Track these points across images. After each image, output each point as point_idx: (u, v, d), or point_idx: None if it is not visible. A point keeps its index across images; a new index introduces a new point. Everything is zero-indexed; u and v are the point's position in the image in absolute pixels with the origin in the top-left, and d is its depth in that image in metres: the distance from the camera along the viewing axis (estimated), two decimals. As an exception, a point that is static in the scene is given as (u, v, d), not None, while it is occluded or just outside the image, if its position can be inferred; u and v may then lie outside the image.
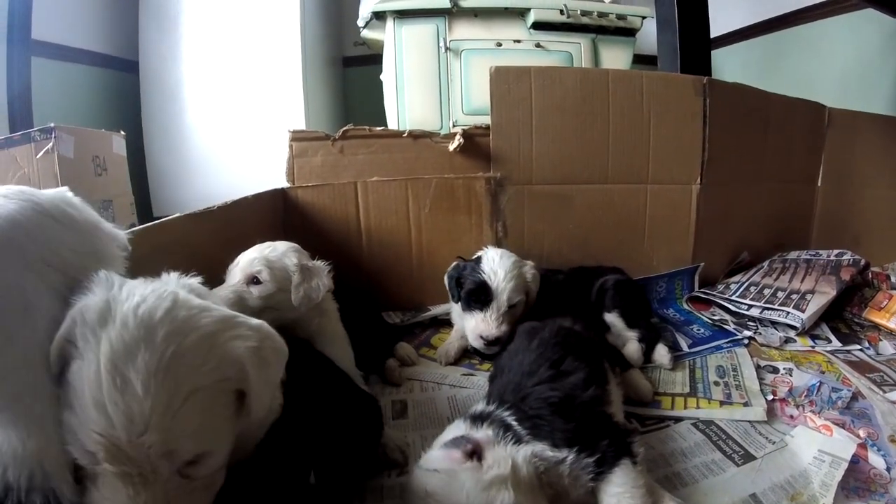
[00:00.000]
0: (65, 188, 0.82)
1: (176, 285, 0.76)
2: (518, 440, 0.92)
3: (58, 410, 0.64)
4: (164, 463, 0.62)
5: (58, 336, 0.66)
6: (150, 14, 3.63)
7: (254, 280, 1.30)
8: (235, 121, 3.60)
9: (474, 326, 1.53)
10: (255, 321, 0.75)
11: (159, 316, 0.65)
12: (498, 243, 2.01)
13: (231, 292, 1.27)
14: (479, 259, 1.60)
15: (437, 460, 0.89)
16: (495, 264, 1.54)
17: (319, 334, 1.36)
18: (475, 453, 0.88)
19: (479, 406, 1.04)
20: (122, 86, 3.89)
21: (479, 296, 1.54)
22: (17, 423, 0.62)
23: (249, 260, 1.31)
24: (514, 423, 0.96)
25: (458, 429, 0.97)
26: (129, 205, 2.82)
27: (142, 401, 0.60)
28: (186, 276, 0.82)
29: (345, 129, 1.99)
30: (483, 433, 0.93)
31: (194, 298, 0.73)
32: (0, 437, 0.62)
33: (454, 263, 1.68)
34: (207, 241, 1.48)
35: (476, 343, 1.53)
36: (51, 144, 2.27)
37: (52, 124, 2.29)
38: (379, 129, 2.03)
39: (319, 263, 1.41)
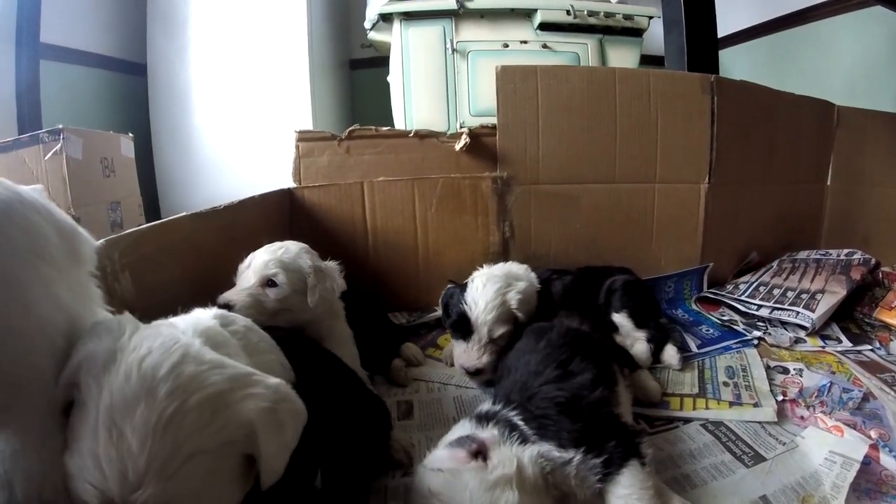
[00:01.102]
0: (39, 186, 0.79)
1: (193, 334, 0.71)
2: (524, 440, 0.92)
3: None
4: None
5: (63, 378, 0.63)
6: (157, 17, 3.64)
7: (269, 283, 1.29)
8: (243, 123, 3.60)
9: (458, 356, 1.50)
10: (273, 380, 0.70)
11: (163, 372, 0.61)
12: (504, 243, 2.01)
13: (247, 296, 1.26)
14: (465, 286, 1.56)
15: (442, 460, 0.88)
16: (477, 294, 1.49)
17: (329, 335, 1.35)
18: (480, 453, 0.87)
19: (485, 406, 1.03)
20: (130, 88, 3.89)
21: (460, 327, 1.50)
22: (24, 428, 0.62)
23: (264, 262, 1.30)
24: (521, 422, 0.95)
25: (463, 428, 0.97)
26: (137, 206, 2.83)
27: (136, 458, 0.56)
28: (211, 309, 0.80)
29: (351, 129, 1.99)
30: (488, 433, 0.92)
31: (207, 352, 0.67)
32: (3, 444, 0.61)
33: (446, 288, 1.66)
34: (213, 240, 1.47)
35: (461, 371, 1.51)
36: (59, 146, 2.28)
37: (60, 126, 2.29)
38: (385, 129, 2.03)
39: (332, 264, 1.41)
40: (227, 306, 1.21)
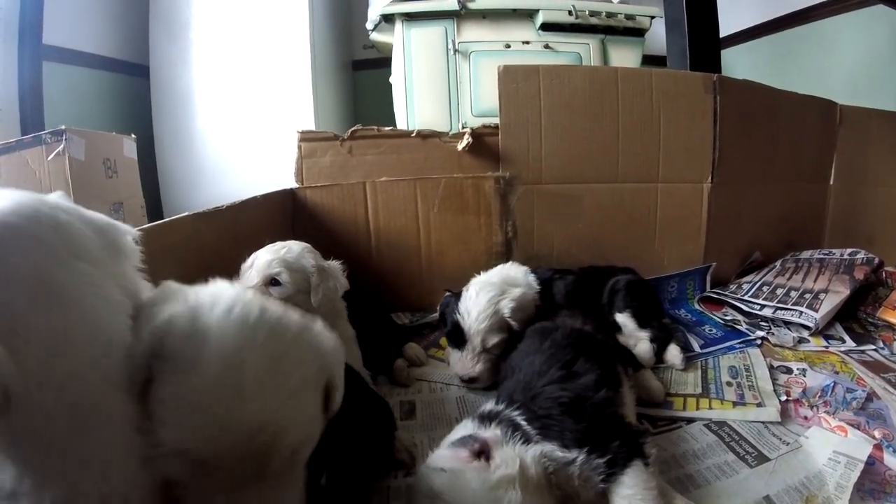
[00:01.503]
0: (61, 192, 0.75)
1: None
2: (527, 440, 0.91)
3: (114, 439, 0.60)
4: (273, 460, 0.61)
5: (140, 352, 0.62)
6: (160, 19, 3.64)
7: (272, 282, 1.29)
8: (246, 125, 3.60)
9: (453, 364, 1.51)
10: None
11: (254, 319, 0.64)
12: (507, 243, 2.01)
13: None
14: (461, 294, 1.56)
15: (444, 459, 0.88)
16: (470, 303, 1.49)
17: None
18: (483, 453, 0.87)
19: (488, 405, 1.03)
20: (132, 90, 3.90)
21: (455, 336, 1.51)
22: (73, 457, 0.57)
23: (267, 262, 1.31)
24: (524, 422, 0.95)
25: (466, 428, 0.96)
26: (139, 207, 2.83)
27: (255, 401, 0.59)
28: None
29: (353, 129, 2.00)
30: (491, 432, 0.92)
31: (268, 300, 0.72)
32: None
33: (444, 296, 1.66)
34: (216, 240, 1.47)
35: (455, 379, 1.51)
36: (61, 147, 2.28)
37: (62, 127, 2.29)
38: (387, 129, 2.03)
39: (334, 263, 1.42)
40: None
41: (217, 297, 0.67)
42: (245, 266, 1.33)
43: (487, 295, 1.49)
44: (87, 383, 0.59)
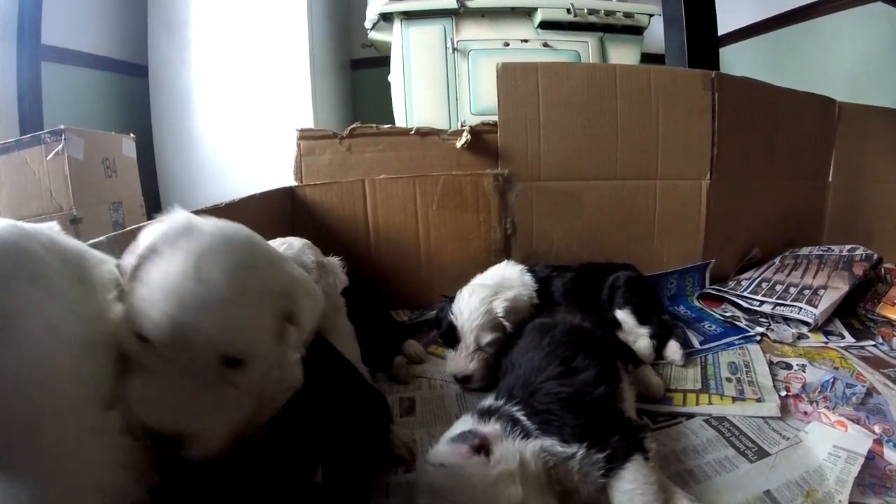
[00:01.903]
0: (54, 223, 0.77)
1: None
2: (526, 435, 0.91)
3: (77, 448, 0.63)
4: (212, 352, 0.66)
5: (143, 247, 0.71)
6: (158, 18, 3.64)
7: None
8: (245, 124, 3.61)
9: (448, 364, 1.51)
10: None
11: (240, 234, 0.75)
12: (506, 240, 2.01)
13: None
14: (454, 297, 1.57)
15: (444, 455, 0.88)
16: (463, 303, 1.50)
17: (330, 330, 1.34)
18: (483, 448, 0.87)
19: (488, 401, 1.03)
20: (131, 90, 3.90)
21: (448, 336, 1.52)
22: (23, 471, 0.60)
23: None
24: (523, 417, 0.94)
25: (465, 423, 0.96)
26: (139, 206, 2.83)
27: (209, 288, 0.66)
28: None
29: (352, 127, 2.00)
30: (491, 428, 0.92)
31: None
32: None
33: (440, 302, 1.66)
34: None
35: (451, 379, 1.50)
36: (61, 146, 2.28)
37: (62, 126, 2.29)
38: (386, 126, 2.04)
39: (334, 259, 1.42)
40: None
41: (217, 220, 0.76)
42: None
43: (480, 295, 1.50)
44: (27, 403, 0.61)
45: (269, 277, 0.74)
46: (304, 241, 1.39)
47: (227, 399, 0.69)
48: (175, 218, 0.75)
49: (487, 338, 1.45)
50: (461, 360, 1.45)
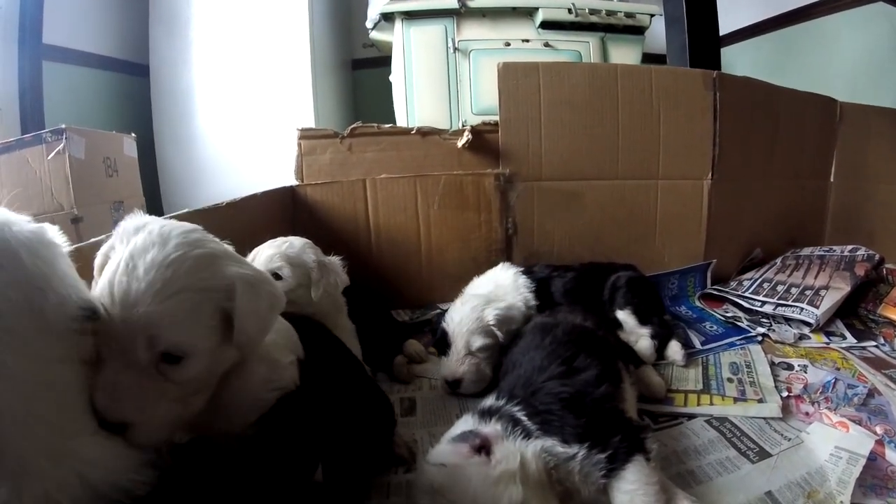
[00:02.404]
0: (46, 225, 0.73)
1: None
2: (527, 435, 0.91)
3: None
4: (145, 345, 0.68)
5: (103, 247, 0.76)
6: (159, 18, 3.65)
7: (274, 276, 1.29)
8: (245, 124, 3.62)
9: (440, 369, 1.51)
10: (258, 267, 0.87)
11: (177, 232, 0.75)
12: (508, 240, 2.02)
13: None
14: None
15: (445, 455, 0.88)
16: (454, 311, 1.52)
17: (332, 329, 1.35)
18: (483, 448, 0.86)
19: (489, 401, 1.03)
20: (132, 89, 3.91)
21: (441, 343, 1.52)
22: None
23: (269, 256, 1.32)
24: (524, 417, 0.94)
25: (466, 423, 0.96)
26: (140, 206, 2.82)
27: (140, 282, 0.69)
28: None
29: (353, 126, 2.00)
30: (492, 428, 0.92)
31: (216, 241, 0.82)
32: None
33: (439, 314, 1.68)
34: (216, 237, 1.47)
35: (443, 386, 1.49)
36: (62, 146, 2.28)
37: (63, 126, 2.29)
38: (387, 126, 2.04)
39: (335, 259, 1.43)
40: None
41: (170, 220, 0.80)
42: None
43: (472, 304, 1.51)
44: None
45: (208, 275, 0.74)
46: (305, 240, 1.40)
47: (168, 391, 0.71)
48: (133, 217, 0.78)
49: (478, 342, 1.45)
50: (451, 364, 1.46)
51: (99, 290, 0.71)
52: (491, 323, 1.47)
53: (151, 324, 0.68)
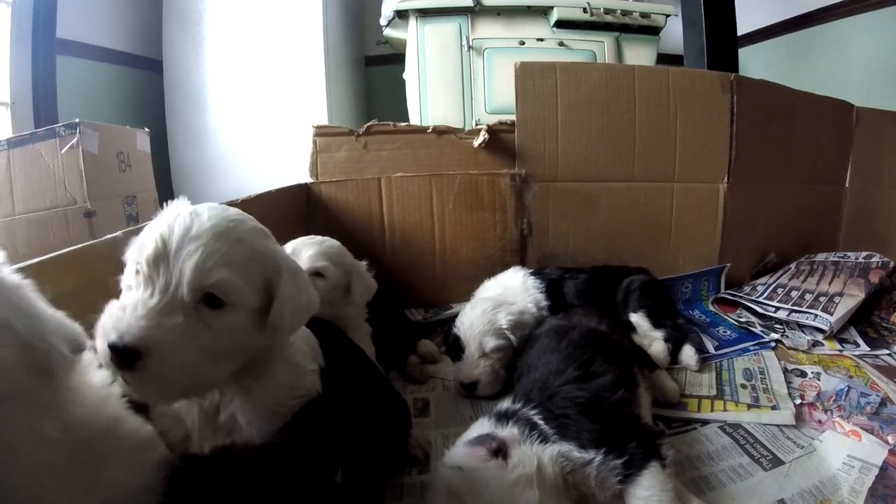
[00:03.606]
0: (27, 282, 0.66)
1: None
2: (544, 439, 0.91)
3: None
4: (195, 278, 0.69)
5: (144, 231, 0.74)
6: (173, 14, 3.66)
7: (316, 275, 1.30)
8: (258, 120, 3.63)
9: (455, 373, 1.51)
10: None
11: (233, 210, 0.78)
12: (522, 241, 2.02)
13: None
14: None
15: (462, 458, 0.88)
16: (465, 316, 1.52)
17: (352, 330, 1.36)
18: (500, 451, 0.87)
19: (505, 404, 1.03)
20: (145, 84, 3.93)
21: (454, 348, 1.53)
22: None
23: (312, 255, 1.33)
24: (541, 421, 0.95)
25: (482, 426, 0.96)
26: (152, 201, 2.83)
27: (204, 223, 0.71)
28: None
29: (369, 124, 2.00)
30: (508, 431, 0.92)
31: None
32: None
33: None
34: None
35: (457, 389, 1.49)
36: (75, 140, 2.28)
37: (76, 120, 2.30)
38: (403, 124, 2.03)
39: (363, 263, 1.46)
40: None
41: None
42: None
43: (482, 307, 1.52)
44: None
45: (263, 245, 0.77)
46: (335, 241, 1.41)
47: (200, 334, 0.69)
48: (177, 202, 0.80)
49: (491, 344, 1.46)
50: (466, 367, 1.46)
51: (153, 225, 0.73)
52: (504, 327, 1.47)
53: (209, 256, 0.69)
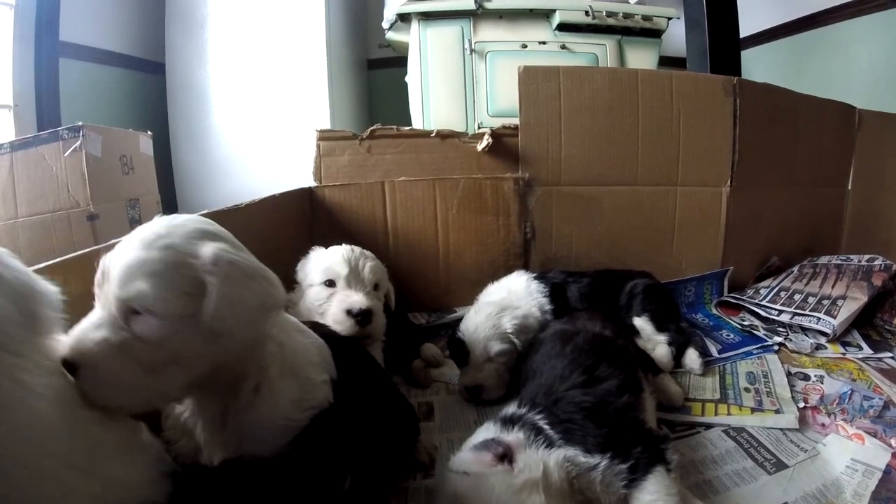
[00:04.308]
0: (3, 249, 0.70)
1: None
2: (550, 444, 0.91)
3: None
4: (115, 297, 0.70)
5: None
6: (176, 17, 3.67)
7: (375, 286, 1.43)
8: (261, 123, 3.63)
9: (460, 379, 1.50)
10: (267, 269, 0.82)
11: (184, 220, 0.79)
12: (526, 244, 2.02)
13: (370, 299, 1.39)
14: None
15: (467, 462, 0.88)
16: (469, 321, 1.51)
17: (371, 342, 1.40)
18: (506, 456, 0.87)
19: (510, 408, 1.03)
20: (148, 87, 3.93)
21: (457, 353, 1.52)
22: None
23: (373, 266, 1.44)
24: (546, 426, 0.95)
25: (488, 431, 0.96)
26: (155, 203, 2.84)
27: (134, 237, 0.74)
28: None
29: (372, 128, 2.00)
30: (514, 436, 0.92)
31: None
32: None
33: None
34: (234, 237, 1.48)
35: (462, 393, 1.48)
36: (79, 143, 2.29)
37: (80, 123, 2.30)
38: (406, 128, 2.04)
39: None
40: (364, 312, 1.36)
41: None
42: (339, 268, 1.41)
43: (486, 311, 1.51)
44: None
45: (193, 248, 0.74)
46: None
47: (132, 347, 0.70)
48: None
49: (496, 348, 1.45)
50: (471, 372, 1.46)
51: None
52: (509, 331, 1.47)
53: (129, 268, 0.70)
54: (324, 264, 1.42)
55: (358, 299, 1.36)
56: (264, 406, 0.79)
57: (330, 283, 1.40)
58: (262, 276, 0.78)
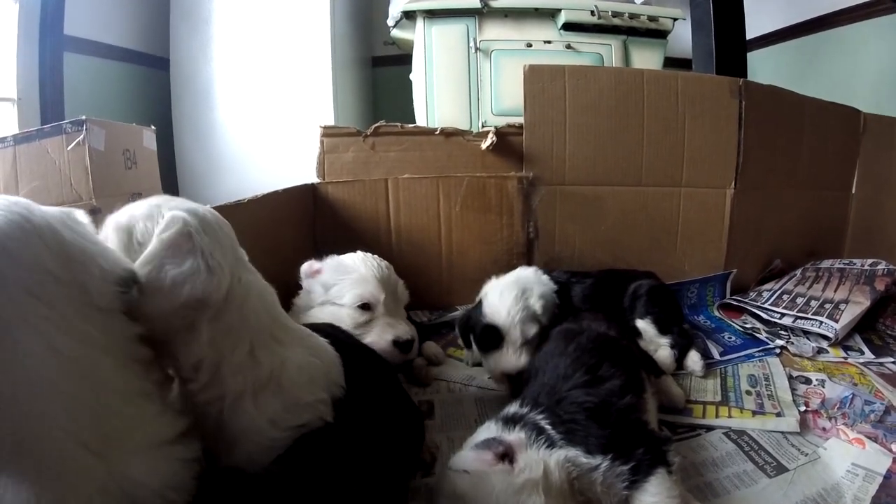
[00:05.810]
0: (72, 210, 0.72)
1: None
2: (551, 444, 0.91)
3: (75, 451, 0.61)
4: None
5: None
6: (180, 12, 3.68)
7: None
8: (265, 119, 3.64)
9: (494, 366, 1.45)
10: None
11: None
12: (529, 244, 2.02)
13: (410, 326, 1.46)
14: (479, 303, 1.54)
15: (468, 461, 0.88)
16: (497, 303, 1.47)
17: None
18: (507, 456, 0.87)
19: (512, 408, 1.03)
20: (152, 82, 3.93)
21: (488, 338, 1.47)
22: (21, 476, 0.58)
23: (403, 285, 1.54)
24: (548, 426, 0.94)
25: (489, 430, 0.96)
26: (158, 198, 2.84)
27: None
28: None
29: (376, 125, 2.00)
30: (515, 435, 0.92)
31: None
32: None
33: (462, 315, 1.66)
34: (237, 233, 1.47)
35: (498, 380, 1.45)
36: (82, 137, 2.28)
37: (83, 117, 2.30)
38: (411, 126, 2.03)
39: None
40: (409, 342, 1.41)
41: None
42: (375, 292, 1.44)
43: (512, 293, 1.48)
44: (19, 424, 0.59)
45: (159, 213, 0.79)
46: None
47: None
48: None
49: (533, 330, 1.44)
50: (511, 357, 1.42)
51: None
52: (539, 312, 1.46)
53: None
54: (358, 289, 1.42)
55: (403, 330, 1.40)
56: (236, 420, 0.78)
57: (365, 306, 1.41)
58: (208, 266, 0.75)
